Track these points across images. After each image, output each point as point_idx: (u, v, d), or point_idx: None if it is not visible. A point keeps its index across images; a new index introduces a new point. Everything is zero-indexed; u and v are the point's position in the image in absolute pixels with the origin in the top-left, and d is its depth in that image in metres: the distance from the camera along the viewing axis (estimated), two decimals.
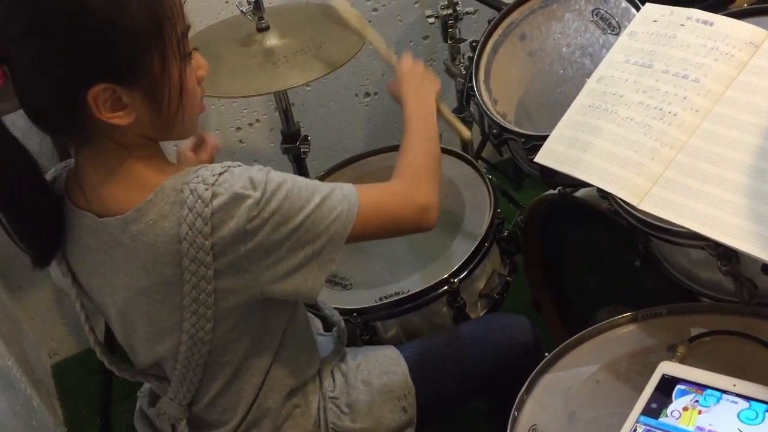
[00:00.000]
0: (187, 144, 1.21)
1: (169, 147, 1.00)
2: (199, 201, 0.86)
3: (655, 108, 1.04)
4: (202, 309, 0.91)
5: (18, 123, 0.91)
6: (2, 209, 0.92)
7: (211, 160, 1.21)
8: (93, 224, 0.92)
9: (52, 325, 2.12)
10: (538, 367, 1.04)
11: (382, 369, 1.16)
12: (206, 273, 0.88)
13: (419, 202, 1.03)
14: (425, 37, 2.22)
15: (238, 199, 0.87)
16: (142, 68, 0.84)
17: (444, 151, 1.57)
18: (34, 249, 0.95)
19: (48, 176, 0.98)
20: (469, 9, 1.87)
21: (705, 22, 1.06)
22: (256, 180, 0.89)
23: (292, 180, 0.92)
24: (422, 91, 1.22)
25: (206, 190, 0.86)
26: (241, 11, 1.54)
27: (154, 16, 0.83)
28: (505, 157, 2.34)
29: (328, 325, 1.24)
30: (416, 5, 2.16)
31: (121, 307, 0.97)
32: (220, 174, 0.88)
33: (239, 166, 0.91)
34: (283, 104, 1.70)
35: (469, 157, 1.54)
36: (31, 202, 0.93)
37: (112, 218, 0.90)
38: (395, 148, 1.61)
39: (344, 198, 0.95)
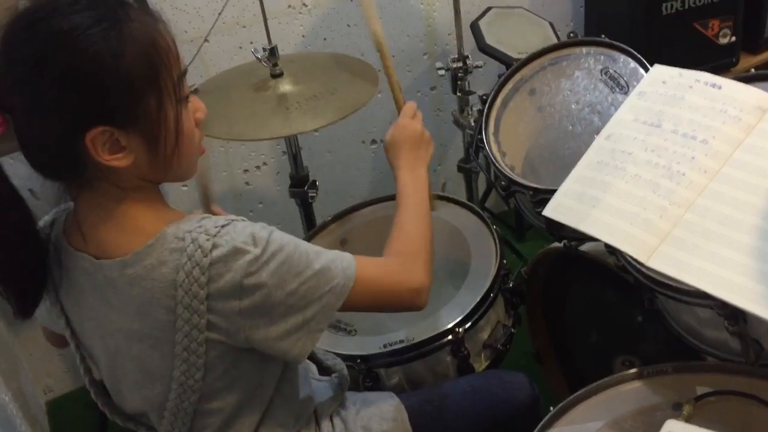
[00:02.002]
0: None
1: (168, 188, 1.01)
2: (199, 250, 0.86)
3: (663, 167, 1.05)
4: (193, 357, 0.91)
5: (20, 170, 0.91)
6: None
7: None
8: (90, 266, 0.92)
9: (49, 362, 2.11)
10: (543, 421, 1.03)
11: (381, 416, 1.15)
12: (198, 322, 0.88)
13: (413, 285, 1.04)
14: (432, 88, 2.26)
15: (237, 253, 0.87)
16: (139, 112, 0.85)
17: (451, 200, 1.59)
18: (17, 300, 0.94)
19: (47, 218, 0.99)
20: (479, 63, 1.91)
21: (713, 85, 1.09)
22: (258, 237, 0.89)
23: (294, 244, 0.93)
24: (417, 160, 1.21)
25: (207, 240, 0.87)
26: (257, 57, 1.57)
27: (149, 63, 0.85)
28: (508, 208, 2.39)
29: (323, 370, 1.23)
30: (425, 56, 2.20)
31: (112, 350, 0.97)
32: (223, 226, 0.89)
33: (243, 221, 0.92)
34: (293, 149, 1.73)
35: (476, 207, 1.55)
36: (20, 252, 0.92)
37: (110, 261, 0.90)
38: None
39: (343, 271, 0.95)
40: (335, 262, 0.96)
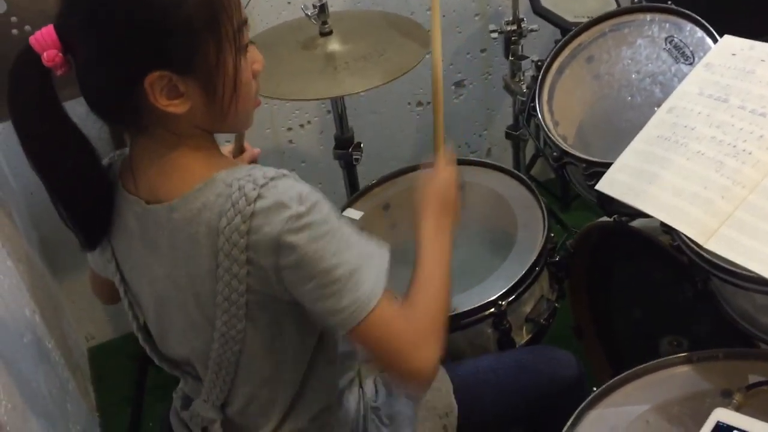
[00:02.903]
0: (227, 148, 1.20)
1: (221, 140, 0.99)
2: (243, 198, 0.85)
3: (728, 144, 1.01)
4: (234, 308, 0.91)
5: (77, 110, 0.92)
6: (57, 192, 0.93)
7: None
8: (141, 210, 0.93)
9: (91, 310, 2.15)
10: (586, 401, 1.01)
11: None
12: (239, 271, 0.88)
13: (413, 365, 0.92)
14: (483, 50, 2.21)
15: (280, 207, 0.85)
16: (198, 58, 0.85)
17: (499, 169, 1.55)
18: (84, 232, 0.97)
19: (105, 161, 0.99)
20: (534, 26, 1.84)
21: None
22: (305, 197, 0.87)
23: (339, 223, 0.89)
24: (444, 227, 1.06)
25: (253, 189, 0.86)
26: (306, 14, 1.54)
27: (210, 8, 0.84)
28: (554, 176, 2.34)
29: None
30: (476, 17, 2.14)
31: (160, 297, 0.97)
32: (272, 178, 0.87)
33: (295, 177, 0.90)
34: (339, 109, 1.70)
35: (524, 177, 1.51)
36: (86, 186, 0.94)
37: (159, 205, 0.91)
38: None
39: (374, 284, 0.89)
40: (370, 268, 0.90)
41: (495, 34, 1.87)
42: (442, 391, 1.14)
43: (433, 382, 1.13)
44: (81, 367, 1.98)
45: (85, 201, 0.95)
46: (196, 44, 0.84)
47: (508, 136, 2.05)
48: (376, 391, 1.12)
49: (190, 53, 0.84)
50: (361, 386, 1.12)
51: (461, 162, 1.61)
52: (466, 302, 1.29)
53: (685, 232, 0.99)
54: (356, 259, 0.89)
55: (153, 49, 0.83)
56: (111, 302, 1.14)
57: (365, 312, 0.88)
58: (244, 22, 0.89)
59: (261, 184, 0.86)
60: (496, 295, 1.28)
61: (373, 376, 1.13)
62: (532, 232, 1.39)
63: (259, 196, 0.85)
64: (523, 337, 1.35)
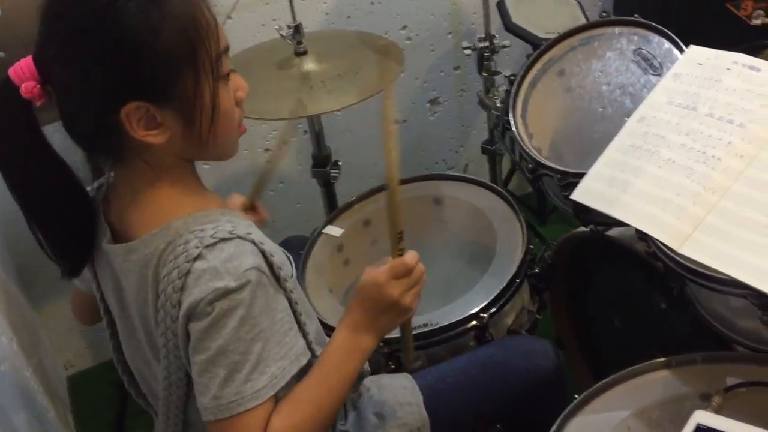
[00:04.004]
0: (237, 202, 1.20)
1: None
2: (185, 255, 0.85)
3: (698, 151, 1.03)
4: (172, 356, 0.91)
5: (56, 137, 0.92)
6: (36, 220, 0.93)
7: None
8: (105, 245, 0.94)
9: (70, 337, 2.12)
10: (567, 409, 1.02)
11: (396, 400, 1.13)
12: (171, 325, 0.88)
13: None
14: (456, 68, 2.23)
15: (213, 275, 0.84)
16: (176, 89, 0.85)
17: (479, 183, 1.57)
18: (65, 259, 0.97)
19: (95, 184, 1.00)
20: (505, 42, 1.87)
21: (752, 68, 1.05)
22: (243, 272, 0.85)
23: (263, 313, 0.87)
24: (373, 324, 0.97)
25: (196, 248, 0.85)
26: (281, 35, 1.55)
27: (187, 39, 0.84)
28: (530, 191, 2.36)
29: None
30: (449, 36, 2.17)
31: (127, 330, 0.98)
32: (221, 240, 0.86)
33: (252, 243, 0.88)
34: (316, 128, 1.71)
35: (501, 190, 1.53)
36: (66, 213, 0.94)
37: (119, 245, 0.91)
38: (424, 178, 1.62)
39: (261, 387, 0.87)
40: (267, 368, 0.87)
41: (468, 51, 1.90)
42: (413, 405, 1.13)
43: (404, 398, 1.13)
44: (60, 395, 1.95)
45: (65, 228, 0.95)
46: (173, 75, 0.84)
47: (484, 151, 2.07)
48: (345, 415, 1.11)
49: (167, 84, 0.84)
50: None
51: (439, 177, 1.62)
52: (448, 316, 1.29)
53: (659, 239, 1.00)
54: (259, 354, 0.86)
55: (129, 80, 0.83)
56: (92, 322, 1.13)
57: (240, 409, 0.85)
58: (225, 51, 0.89)
59: (206, 244, 0.86)
60: (478, 308, 1.28)
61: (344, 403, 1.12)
62: (511, 245, 1.41)
63: (199, 256, 0.85)
64: None
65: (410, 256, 0.97)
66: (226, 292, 0.84)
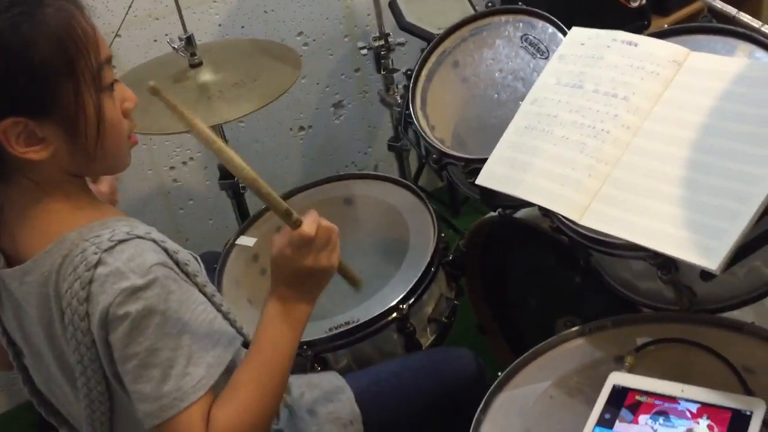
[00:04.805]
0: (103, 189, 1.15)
1: None
2: (84, 263, 0.83)
3: (588, 126, 1.07)
4: (89, 371, 0.88)
5: None
6: None
7: (113, 191, 1.14)
8: (4, 270, 0.90)
9: None
10: (492, 386, 1.04)
11: (326, 397, 1.14)
12: (83, 339, 0.85)
13: None
14: (356, 70, 2.25)
15: (118, 276, 0.82)
16: (54, 101, 0.82)
17: (385, 179, 1.59)
18: None
19: None
20: (401, 40, 1.90)
21: (630, 43, 1.11)
22: (149, 267, 0.83)
23: (180, 305, 0.85)
24: (300, 291, 0.94)
25: (95, 254, 0.83)
26: (173, 47, 1.53)
27: (64, 50, 0.81)
28: (441, 185, 2.40)
29: None
30: (346, 39, 2.19)
31: (36, 352, 0.94)
32: (121, 241, 0.84)
33: (151, 241, 0.86)
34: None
35: (410, 184, 1.55)
36: None
37: (11, 270, 0.88)
38: (333, 179, 1.63)
39: (200, 378, 0.85)
40: (202, 359, 0.85)
41: (365, 51, 1.92)
42: (344, 400, 1.14)
43: (335, 394, 1.14)
44: None
45: None
46: (50, 88, 0.81)
47: (390, 148, 2.09)
48: (278, 415, 1.10)
49: (45, 97, 0.82)
50: None
51: (349, 176, 1.63)
52: (368, 311, 1.30)
53: (560, 212, 1.04)
54: (189, 347, 0.85)
55: (3, 96, 0.80)
56: (7, 366, 1.07)
57: (184, 404, 0.84)
58: (107, 61, 0.87)
59: (105, 248, 0.83)
60: (397, 300, 1.30)
61: None
62: (423, 236, 1.43)
63: (99, 262, 0.83)
64: (428, 337, 1.38)
65: (308, 224, 0.91)
66: (134, 290, 0.82)
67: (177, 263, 0.88)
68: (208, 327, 0.88)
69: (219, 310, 0.93)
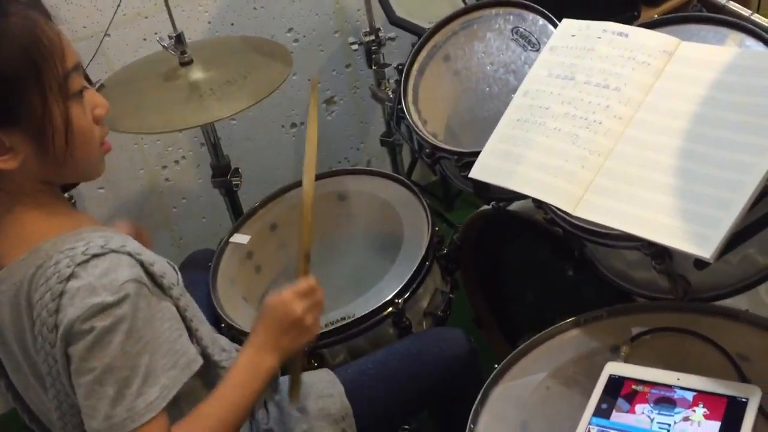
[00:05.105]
0: (124, 228, 1.15)
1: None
2: (56, 275, 0.82)
3: (580, 118, 1.08)
4: (58, 383, 0.88)
5: None
6: None
7: (136, 232, 1.14)
8: None
9: None
10: (490, 378, 1.04)
11: (317, 394, 1.14)
12: (51, 350, 0.85)
13: None
14: (347, 66, 2.25)
15: (89, 291, 0.82)
16: (21, 110, 0.82)
17: (378, 174, 1.58)
18: None
19: None
20: (391, 35, 1.90)
21: (620, 34, 1.11)
22: (120, 285, 0.83)
23: (145, 324, 0.85)
24: (275, 343, 0.99)
25: (68, 266, 0.83)
26: (163, 46, 1.52)
27: (28, 58, 0.81)
28: (434, 179, 2.40)
29: None
30: (336, 34, 2.18)
31: (13, 361, 0.94)
32: (96, 255, 0.84)
33: (127, 255, 0.86)
34: (212, 138, 1.68)
35: (404, 179, 1.55)
36: None
37: None
38: (326, 175, 1.62)
39: (154, 399, 0.85)
40: (158, 380, 0.85)
41: (355, 46, 1.92)
42: (334, 396, 1.14)
43: (325, 390, 1.14)
44: None
45: None
46: (16, 97, 0.81)
47: (383, 143, 2.09)
48: (267, 413, 1.10)
49: (10, 107, 0.81)
50: (251, 414, 1.09)
51: (342, 172, 1.63)
52: (364, 306, 1.30)
53: (554, 204, 1.05)
54: (147, 366, 0.85)
55: None
56: None
57: (134, 425, 0.84)
58: (74, 68, 0.86)
59: (78, 261, 0.83)
60: (392, 295, 1.30)
61: (262, 400, 1.11)
62: (417, 230, 1.43)
63: (72, 275, 0.82)
64: None
65: (312, 278, 1.02)
66: (104, 308, 0.82)
67: (152, 276, 0.88)
68: (170, 346, 0.88)
69: (188, 326, 0.93)
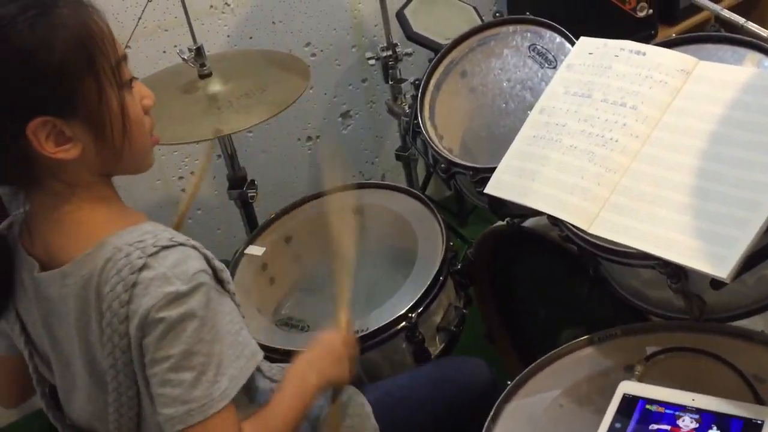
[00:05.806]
0: None
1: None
2: (128, 266, 0.84)
3: (597, 135, 1.08)
4: (121, 376, 0.89)
5: None
6: None
7: None
8: (34, 275, 0.90)
9: None
10: (503, 395, 1.04)
11: (345, 412, 1.14)
12: (119, 342, 0.86)
13: None
14: (364, 80, 2.26)
15: (163, 281, 0.83)
16: (79, 99, 0.84)
17: (395, 188, 1.59)
18: None
19: (5, 222, 0.96)
20: (408, 50, 1.91)
21: (638, 53, 1.11)
22: (192, 275, 0.84)
23: (217, 313, 0.87)
24: (317, 368, 1.05)
25: (140, 258, 0.84)
26: (183, 59, 1.54)
27: (83, 48, 0.83)
28: (448, 194, 2.41)
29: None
30: (353, 49, 2.20)
31: (63, 360, 0.95)
32: (165, 247, 0.85)
33: (194, 248, 0.88)
34: (228, 150, 1.70)
35: (417, 192, 1.55)
36: None
37: (50, 273, 0.88)
38: (341, 189, 1.62)
39: (227, 387, 0.87)
40: (230, 369, 0.88)
41: (372, 61, 1.93)
42: (363, 416, 1.14)
43: (354, 409, 1.14)
44: None
45: None
46: (74, 86, 0.83)
47: (398, 158, 2.10)
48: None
49: (69, 96, 0.83)
50: None
51: (357, 186, 1.64)
52: (378, 320, 1.30)
53: (569, 221, 1.04)
54: (219, 355, 0.87)
55: (29, 97, 0.81)
56: (10, 403, 1.08)
57: (211, 411, 0.85)
58: (123, 58, 0.89)
59: (149, 253, 0.84)
60: (405, 309, 1.30)
61: None
62: (432, 244, 1.43)
63: (144, 266, 0.84)
64: (436, 346, 1.37)
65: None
66: (178, 296, 0.83)
67: (214, 270, 0.90)
68: (233, 338, 0.89)
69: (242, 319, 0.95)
